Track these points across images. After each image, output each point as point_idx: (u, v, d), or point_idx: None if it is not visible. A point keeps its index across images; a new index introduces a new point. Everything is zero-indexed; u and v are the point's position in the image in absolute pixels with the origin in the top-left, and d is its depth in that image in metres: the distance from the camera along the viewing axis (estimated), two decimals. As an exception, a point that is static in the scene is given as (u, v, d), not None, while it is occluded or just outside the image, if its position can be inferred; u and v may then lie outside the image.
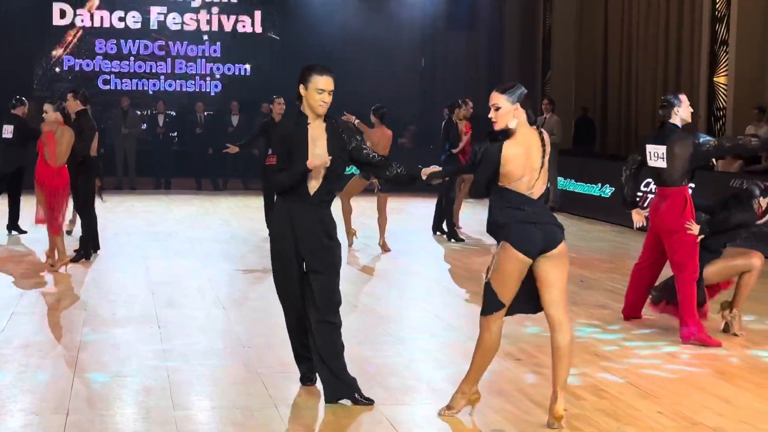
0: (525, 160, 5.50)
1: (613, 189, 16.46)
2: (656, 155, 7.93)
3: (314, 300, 5.88)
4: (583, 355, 7.18)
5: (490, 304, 5.56)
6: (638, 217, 8.20)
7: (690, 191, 8.04)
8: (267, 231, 14.38)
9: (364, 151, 6.05)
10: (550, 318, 5.55)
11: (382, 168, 6.16)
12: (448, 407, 5.74)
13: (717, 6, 17.00)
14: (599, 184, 16.95)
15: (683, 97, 8.04)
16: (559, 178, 18.13)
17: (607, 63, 20.50)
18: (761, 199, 7.95)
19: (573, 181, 17.89)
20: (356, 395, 5.89)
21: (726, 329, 8.04)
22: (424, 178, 6.07)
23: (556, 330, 5.51)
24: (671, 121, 7.97)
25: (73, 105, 11.08)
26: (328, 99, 5.87)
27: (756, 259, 7.94)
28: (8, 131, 13.28)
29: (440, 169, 6.15)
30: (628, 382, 6.50)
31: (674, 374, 6.76)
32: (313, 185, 5.85)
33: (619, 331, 8.08)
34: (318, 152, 5.83)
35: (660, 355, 7.30)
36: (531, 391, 6.25)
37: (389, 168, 6.15)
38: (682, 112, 7.97)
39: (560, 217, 17.45)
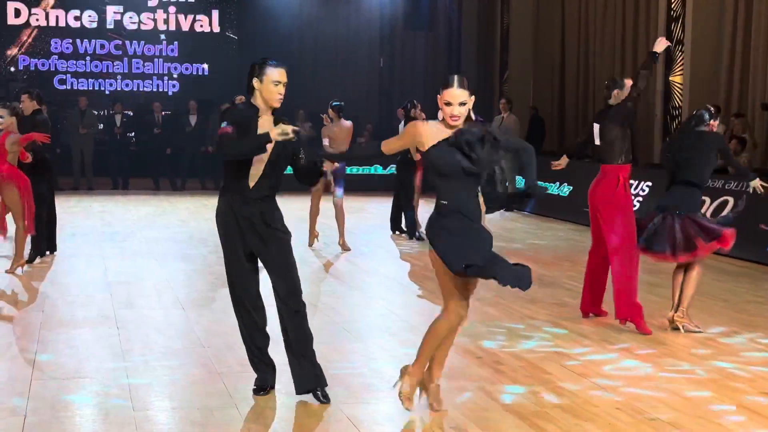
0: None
1: (571, 188, 16.58)
2: (596, 134, 8.26)
3: (277, 292, 5.88)
4: (541, 353, 7.24)
5: None
6: (562, 162, 8.61)
7: (626, 171, 8.23)
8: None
9: (300, 156, 6.05)
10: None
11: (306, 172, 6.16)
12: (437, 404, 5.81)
13: (672, 6, 17.19)
14: (557, 183, 17.06)
15: (628, 82, 8.24)
16: (518, 177, 18.22)
17: (564, 62, 20.66)
18: (713, 121, 8.14)
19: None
20: (320, 391, 5.90)
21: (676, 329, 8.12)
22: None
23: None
24: (610, 102, 8.27)
25: (29, 105, 11.02)
26: (283, 91, 5.91)
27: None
28: None
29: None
30: (586, 378, 6.55)
31: (631, 369, 6.82)
32: (253, 180, 5.84)
33: (577, 328, 8.14)
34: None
35: (617, 350, 7.37)
36: (490, 389, 6.28)
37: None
38: (622, 96, 8.16)
39: (518, 216, 17.51)
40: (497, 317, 8.53)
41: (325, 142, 12.33)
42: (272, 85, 5.86)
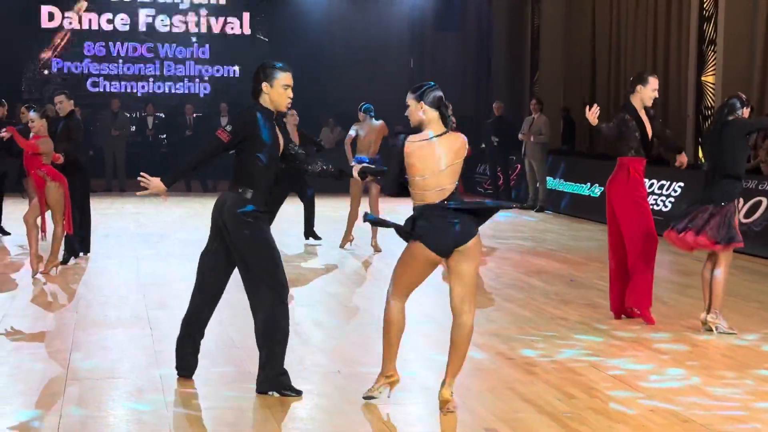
0: (428, 158, 5.67)
1: (602, 188, 16.50)
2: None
3: (265, 282, 5.94)
4: (575, 355, 7.22)
5: None
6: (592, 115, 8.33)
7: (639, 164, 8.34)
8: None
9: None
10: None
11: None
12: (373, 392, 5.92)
13: (705, 5, 17.07)
14: (588, 184, 16.99)
15: (652, 80, 8.29)
16: (548, 178, 18.18)
17: (595, 62, 20.56)
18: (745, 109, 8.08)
19: (562, 180, 17.94)
20: (287, 389, 5.98)
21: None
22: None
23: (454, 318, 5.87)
24: (630, 98, 8.40)
25: (67, 106, 11.16)
26: (291, 95, 6.04)
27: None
28: None
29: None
30: (619, 380, 6.53)
31: (664, 372, 6.79)
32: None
33: (609, 329, 8.11)
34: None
35: (650, 352, 7.34)
36: (521, 389, 6.28)
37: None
38: (643, 93, 8.19)
39: (548, 217, 17.41)
40: (529, 318, 8.51)
41: (352, 132, 12.55)
42: (282, 89, 5.97)
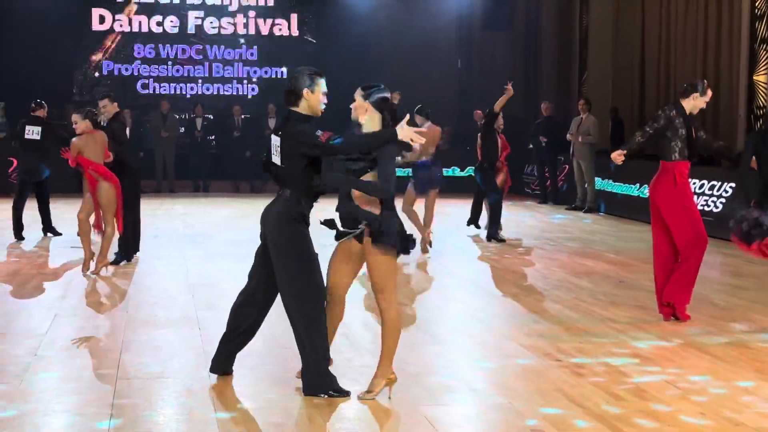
0: None
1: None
2: None
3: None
4: (624, 356, 7.16)
5: None
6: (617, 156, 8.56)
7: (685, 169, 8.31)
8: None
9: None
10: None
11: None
12: (368, 391, 5.97)
13: (756, 4, 16.85)
14: (637, 184, 16.86)
15: (709, 92, 8.28)
16: (597, 179, 18.06)
17: (644, 62, 20.37)
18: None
19: (611, 181, 17.81)
20: (334, 390, 6.05)
21: None
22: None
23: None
24: (682, 100, 8.30)
25: (111, 109, 11.26)
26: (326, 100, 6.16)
27: None
28: (32, 132, 13.36)
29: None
30: (668, 382, 6.47)
31: (717, 374, 6.71)
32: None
33: (659, 331, 8.04)
34: None
35: (702, 353, 7.26)
36: (570, 391, 6.24)
37: None
38: (697, 101, 8.17)
39: (598, 218, 17.25)
40: (577, 320, 8.46)
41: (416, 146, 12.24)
42: (322, 95, 6.08)
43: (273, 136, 6.14)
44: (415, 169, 12.18)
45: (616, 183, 17.62)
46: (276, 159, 6.09)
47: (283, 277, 6.05)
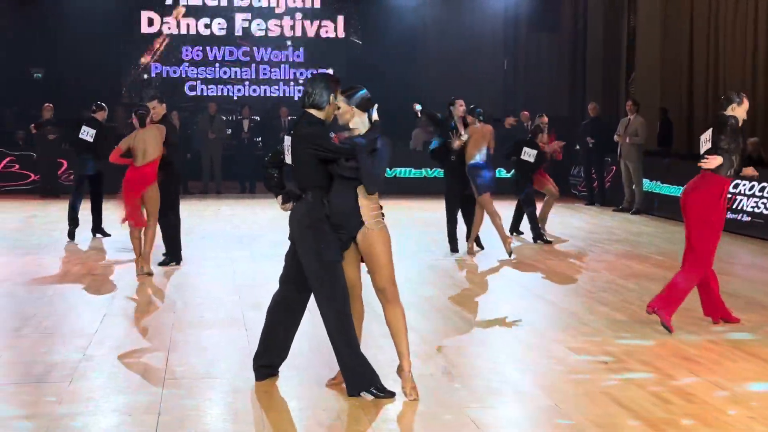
0: None
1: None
2: (704, 141, 8.13)
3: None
4: (671, 359, 7.11)
5: None
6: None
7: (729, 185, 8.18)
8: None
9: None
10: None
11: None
12: (413, 392, 6.01)
13: (807, 3, 16.65)
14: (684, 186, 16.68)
15: (745, 100, 8.13)
16: (645, 180, 17.91)
17: (692, 62, 20.16)
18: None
19: (659, 183, 17.66)
20: (378, 389, 6.08)
21: None
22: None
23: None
24: (730, 112, 8.13)
25: (161, 110, 11.35)
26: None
27: None
28: (87, 133, 13.54)
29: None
30: (716, 385, 6.41)
31: (766, 376, 6.63)
32: None
33: (706, 334, 7.96)
34: None
35: (750, 356, 7.18)
36: (617, 394, 6.20)
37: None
38: (737, 111, 8.01)
39: (646, 220, 17.11)
40: (624, 322, 8.40)
41: (464, 137, 12.03)
42: (336, 108, 6.17)
43: (286, 137, 6.26)
44: (469, 171, 11.94)
45: (664, 184, 17.45)
46: (287, 159, 6.20)
47: (313, 280, 6.09)
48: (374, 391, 6.03)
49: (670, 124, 19.79)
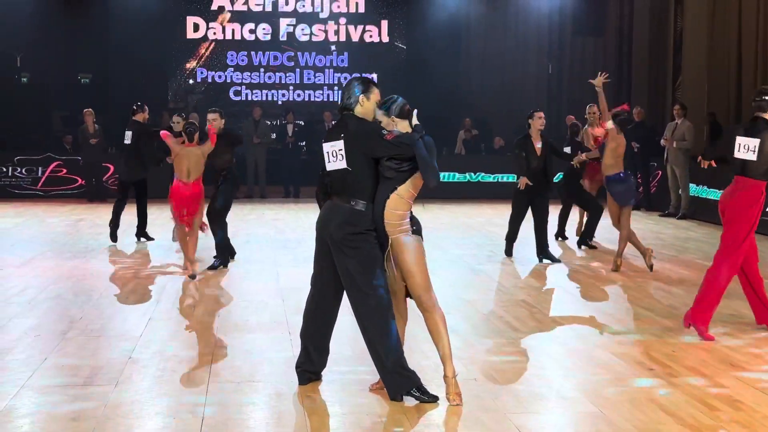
0: None
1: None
2: (747, 147, 7.96)
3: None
4: (717, 365, 7.03)
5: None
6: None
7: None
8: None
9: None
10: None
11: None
12: (457, 397, 5.99)
13: None
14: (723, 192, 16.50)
15: None
16: (691, 185, 17.75)
17: (741, 65, 19.94)
18: None
19: (705, 187, 17.49)
20: (420, 392, 6.09)
21: None
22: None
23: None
24: (764, 116, 7.97)
25: (220, 123, 11.49)
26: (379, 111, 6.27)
27: None
28: (127, 137, 13.72)
29: None
30: (763, 391, 6.33)
31: (813, 386, 6.55)
32: None
33: (754, 339, 7.86)
34: None
35: (798, 365, 7.09)
36: (662, 400, 6.14)
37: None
38: None
39: (693, 225, 16.96)
40: (670, 327, 8.33)
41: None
42: (375, 104, 6.21)
43: (328, 144, 6.18)
44: (608, 183, 11.41)
45: (711, 189, 17.28)
46: (338, 164, 6.12)
47: (354, 287, 6.10)
48: (417, 393, 6.02)
49: (719, 128, 19.49)
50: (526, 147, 12.09)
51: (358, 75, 6.43)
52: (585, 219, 13.82)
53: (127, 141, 13.70)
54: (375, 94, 6.21)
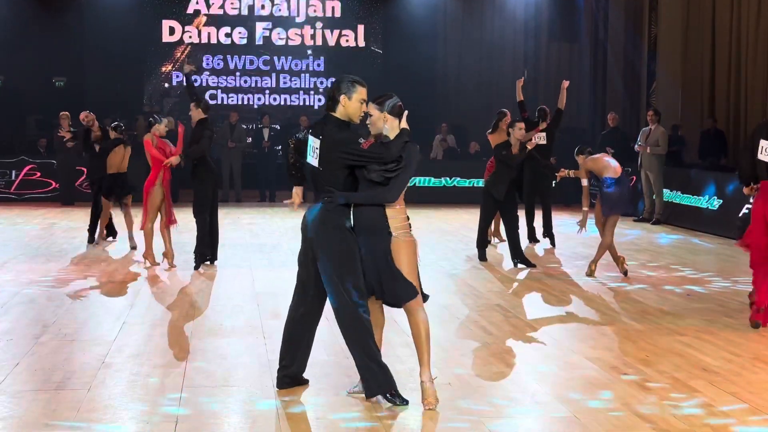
0: None
1: (721, 201, 16.13)
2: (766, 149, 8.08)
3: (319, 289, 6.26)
4: (691, 369, 7.07)
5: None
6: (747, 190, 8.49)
7: None
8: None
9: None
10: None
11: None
12: (433, 401, 6.01)
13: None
14: (705, 196, 16.64)
15: None
16: (665, 190, 17.84)
17: (714, 72, 20.07)
18: None
19: (679, 192, 17.59)
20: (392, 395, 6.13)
21: None
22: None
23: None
24: None
25: (196, 114, 11.57)
26: (365, 108, 6.25)
27: None
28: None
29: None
30: (737, 397, 6.36)
31: (785, 390, 6.60)
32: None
33: (726, 343, 7.91)
34: None
35: (770, 370, 7.14)
36: (636, 405, 6.17)
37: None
38: None
39: (666, 230, 17.01)
40: (643, 332, 8.37)
41: (584, 182, 11.46)
42: (359, 102, 6.20)
43: (311, 137, 6.22)
44: (604, 187, 11.27)
45: (684, 194, 17.38)
46: (313, 161, 6.18)
47: (330, 281, 6.11)
48: (389, 397, 6.03)
49: (721, 135, 19.22)
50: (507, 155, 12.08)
51: (347, 75, 6.37)
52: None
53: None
54: (359, 93, 6.18)
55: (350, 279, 6.06)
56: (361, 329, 6.07)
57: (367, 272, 6.10)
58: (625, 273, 11.41)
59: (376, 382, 6.06)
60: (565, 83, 14.21)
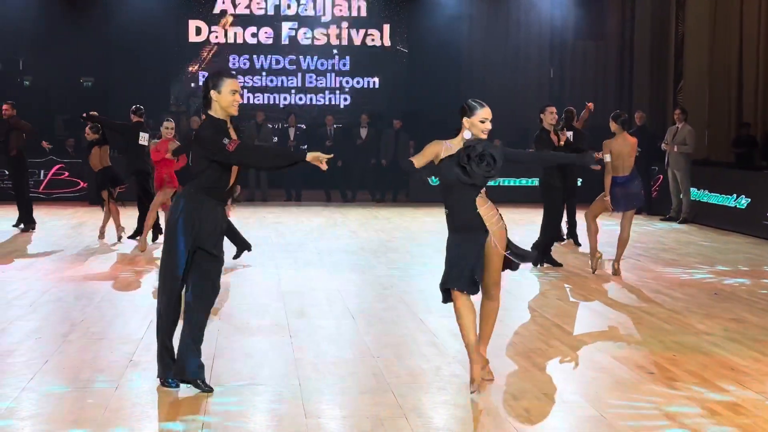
0: None
1: (749, 200, 16.03)
2: None
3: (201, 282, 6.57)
4: (719, 369, 7.03)
5: None
6: None
7: None
8: (394, 241, 14.48)
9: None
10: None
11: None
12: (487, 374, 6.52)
13: None
14: (734, 195, 16.53)
15: None
16: (692, 189, 17.74)
17: (742, 71, 19.94)
18: None
19: (706, 191, 17.49)
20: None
21: None
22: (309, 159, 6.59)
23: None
24: None
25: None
26: (239, 99, 6.29)
27: None
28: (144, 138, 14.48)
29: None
30: (766, 397, 6.32)
31: (814, 390, 6.55)
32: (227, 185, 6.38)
33: (755, 343, 7.86)
34: None
35: (799, 370, 7.09)
36: (663, 405, 6.14)
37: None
38: None
39: (693, 229, 16.93)
40: (670, 332, 8.33)
41: (607, 158, 11.32)
42: (230, 94, 6.21)
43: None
44: (613, 186, 11.33)
45: (712, 193, 17.28)
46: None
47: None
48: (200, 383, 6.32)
49: (752, 139, 18.96)
50: (545, 140, 11.99)
51: (213, 70, 6.49)
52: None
53: (143, 142, 14.38)
54: (227, 85, 6.19)
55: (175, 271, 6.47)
56: (169, 322, 6.47)
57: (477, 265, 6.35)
58: (594, 270, 11.50)
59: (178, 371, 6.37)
60: (590, 105, 14.08)
